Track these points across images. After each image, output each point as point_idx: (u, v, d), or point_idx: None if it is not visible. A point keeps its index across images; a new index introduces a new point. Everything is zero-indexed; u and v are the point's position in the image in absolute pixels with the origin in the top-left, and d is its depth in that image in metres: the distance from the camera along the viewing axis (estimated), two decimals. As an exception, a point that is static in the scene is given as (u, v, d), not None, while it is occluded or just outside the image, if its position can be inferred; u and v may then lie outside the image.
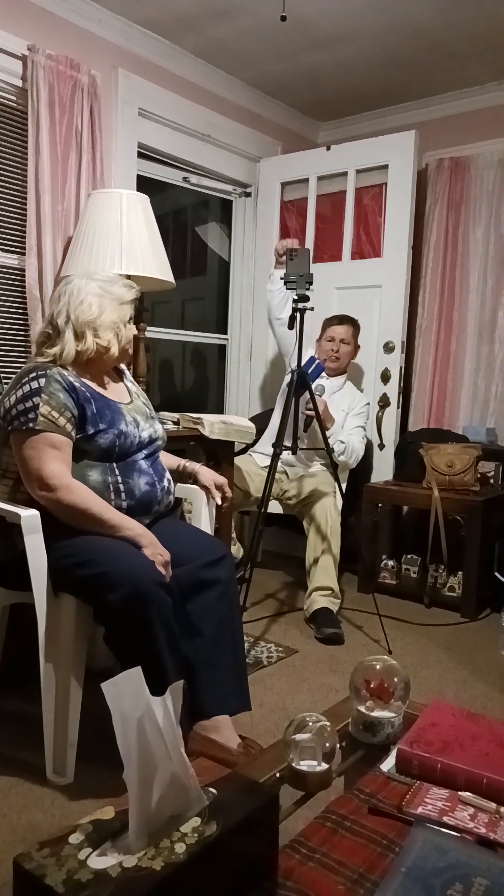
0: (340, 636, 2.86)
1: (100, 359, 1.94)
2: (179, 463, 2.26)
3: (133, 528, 1.80)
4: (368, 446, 3.79)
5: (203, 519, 2.26)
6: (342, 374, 3.52)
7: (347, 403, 3.44)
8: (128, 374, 2.18)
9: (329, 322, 3.52)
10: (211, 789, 0.96)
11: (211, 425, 2.71)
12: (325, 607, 2.97)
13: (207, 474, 2.26)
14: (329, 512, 3.10)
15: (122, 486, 1.87)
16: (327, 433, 3.08)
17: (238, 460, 3.15)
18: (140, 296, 2.00)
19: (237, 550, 3.33)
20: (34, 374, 1.82)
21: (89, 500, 1.77)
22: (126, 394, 2.06)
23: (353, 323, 3.50)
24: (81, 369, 1.92)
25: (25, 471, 1.79)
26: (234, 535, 3.35)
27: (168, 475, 2.05)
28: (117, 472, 1.88)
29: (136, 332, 2.04)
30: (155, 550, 1.78)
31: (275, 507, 3.34)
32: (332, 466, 3.08)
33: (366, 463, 3.78)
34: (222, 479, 2.27)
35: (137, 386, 2.19)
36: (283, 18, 2.49)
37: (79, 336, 1.88)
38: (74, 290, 1.91)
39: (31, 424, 1.76)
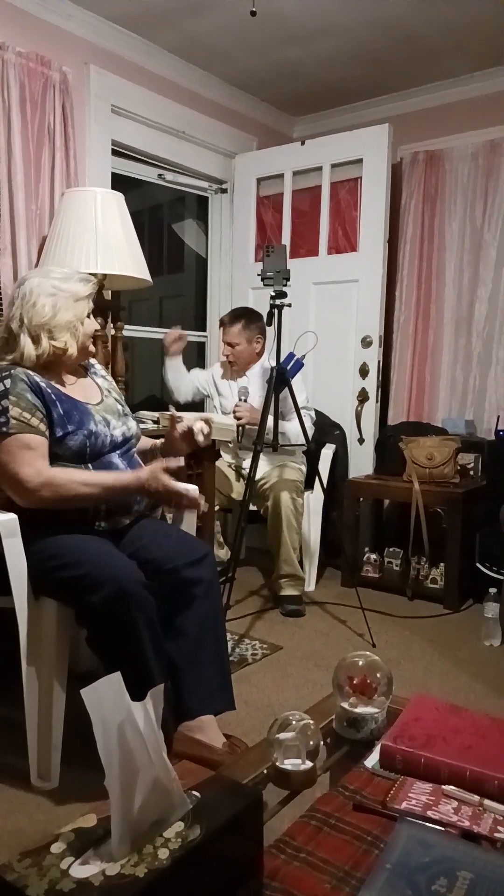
0: (300, 611, 3.14)
1: (58, 360, 1.89)
2: (152, 443, 2.19)
3: (122, 479, 1.80)
4: (349, 441, 3.80)
5: (184, 518, 2.25)
6: (255, 365, 3.42)
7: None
8: (97, 368, 2.12)
9: (220, 323, 3.42)
10: (194, 792, 0.95)
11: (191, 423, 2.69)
12: (289, 594, 3.17)
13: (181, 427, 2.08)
14: (284, 503, 3.11)
15: None
16: (234, 430, 3.07)
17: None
18: (99, 288, 1.94)
19: (225, 554, 3.33)
20: None
21: (72, 485, 1.75)
22: (96, 392, 2.01)
23: (243, 317, 3.36)
24: (43, 370, 1.87)
25: (3, 477, 1.77)
26: (220, 538, 3.36)
27: None
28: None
29: (96, 326, 1.97)
30: (157, 476, 1.78)
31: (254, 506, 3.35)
32: (308, 461, 3.09)
33: (345, 458, 3.79)
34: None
35: (111, 381, 2.13)
36: (253, 13, 2.47)
37: (34, 339, 1.83)
38: (27, 291, 1.85)
39: (3, 428, 1.73)
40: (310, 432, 3.21)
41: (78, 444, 1.82)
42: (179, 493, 1.84)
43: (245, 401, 3.23)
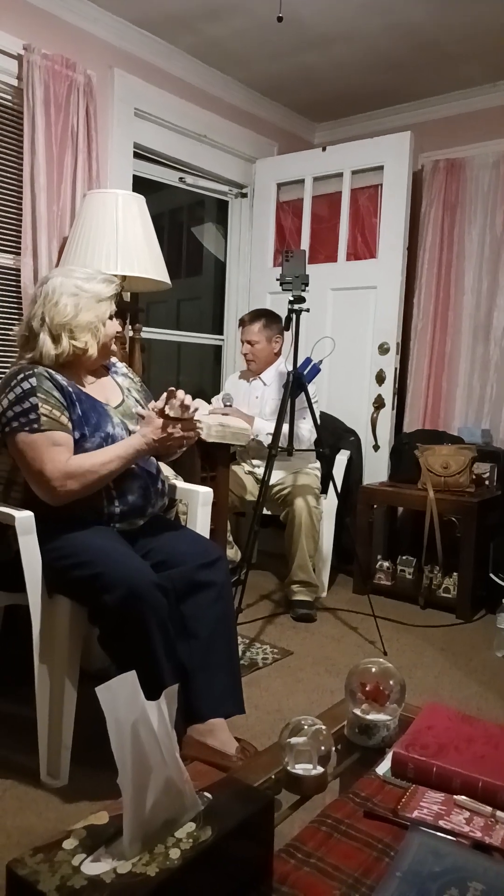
0: (312, 616, 3.12)
1: (78, 360, 1.89)
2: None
3: (132, 444, 1.80)
4: (364, 447, 3.79)
5: (198, 521, 2.25)
6: (270, 367, 3.41)
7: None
8: (119, 367, 2.11)
9: (240, 322, 3.42)
10: (206, 794, 0.95)
11: (208, 428, 2.68)
12: (301, 599, 3.16)
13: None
14: (305, 511, 3.12)
15: (114, 492, 1.85)
16: (250, 434, 3.04)
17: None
18: (121, 289, 1.92)
19: (234, 554, 3.33)
20: (22, 376, 1.78)
21: (93, 470, 1.75)
22: (116, 393, 2.00)
23: (263, 316, 3.36)
24: (63, 369, 1.86)
25: (29, 474, 1.77)
26: (230, 538, 3.36)
27: (161, 476, 2.03)
28: None
29: (118, 328, 1.97)
30: (153, 429, 1.80)
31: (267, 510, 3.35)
32: (324, 466, 3.08)
33: (360, 464, 3.78)
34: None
35: (133, 377, 2.13)
36: (280, 19, 2.48)
37: (55, 338, 1.83)
38: (49, 291, 1.84)
39: (35, 425, 1.73)
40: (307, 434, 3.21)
41: (95, 446, 1.82)
42: (176, 432, 1.83)
43: (231, 405, 3.26)
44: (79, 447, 1.81)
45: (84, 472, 1.75)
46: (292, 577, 3.17)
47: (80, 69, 2.92)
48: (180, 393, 1.86)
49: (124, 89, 3.25)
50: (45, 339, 1.83)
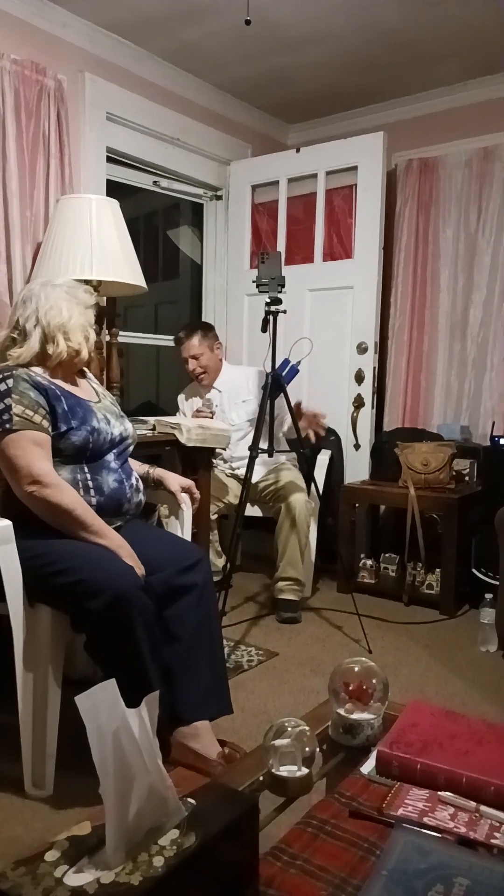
0: (296, 619, 3.11)
1: (70, 362, 1.95)
2: (145, 469, 2.23)
3: (113, 538, 1.80)
4: (345, 446, 3.80)
5: (179, 525, 2.24)
6: (221, 374, 3.45)
7: (255, 385, 3.35)
8: (90, 375, 2.18)
9: (177, 341, 3.42)
10: (189, 800, 0.95)
11: (188, 431, 2.67)
12: (288, 598, 3.14)
13: (173, 479, 2.24)
14: (301, 505, 3.12)
15: (91, 483, 1.87)
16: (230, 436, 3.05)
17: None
18: (97, 302, 2.03)
19: (223, 563, 3.32)
20: (0, 377, 1.83)
21: (76, 503, 1.77)
22: (94, 393, 2.07)
23: (197, 328, 3.40)
24: (50, 371, 1.93)
25: (12, 469, 1.77)
26: (218, 546, 3.35)
27: (136, 475, 2.05)
28: (87, 470, 1.88)
29: (95, 338, 2.04)
30: (132, 563, 1.77)
31: (253, 511, 3.34)
32: (305, 467, 3.09)
33: (341, 463, 3.79)
34: (188, 482, 2.25)
35: (102, 387, 2.20)
36: (248, 22, 2.48)
37: (49, 339, 1.90)
38: (42, 296, 1.93)
39: (7, 425, 1.77)
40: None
41: (81, 439, 1.85)
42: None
43: (213, 413, 3.26)
44: (65, 439, 1.84)
45: (71, 497, 1.77)
46: (281, 573, 3.15)
47: (51, 74, 2.90)
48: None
49: (96, 93, 3.24)
50: (36, 340, 1.90)
